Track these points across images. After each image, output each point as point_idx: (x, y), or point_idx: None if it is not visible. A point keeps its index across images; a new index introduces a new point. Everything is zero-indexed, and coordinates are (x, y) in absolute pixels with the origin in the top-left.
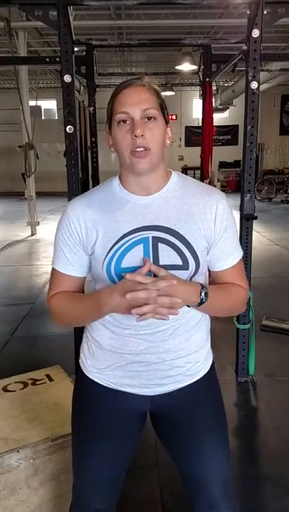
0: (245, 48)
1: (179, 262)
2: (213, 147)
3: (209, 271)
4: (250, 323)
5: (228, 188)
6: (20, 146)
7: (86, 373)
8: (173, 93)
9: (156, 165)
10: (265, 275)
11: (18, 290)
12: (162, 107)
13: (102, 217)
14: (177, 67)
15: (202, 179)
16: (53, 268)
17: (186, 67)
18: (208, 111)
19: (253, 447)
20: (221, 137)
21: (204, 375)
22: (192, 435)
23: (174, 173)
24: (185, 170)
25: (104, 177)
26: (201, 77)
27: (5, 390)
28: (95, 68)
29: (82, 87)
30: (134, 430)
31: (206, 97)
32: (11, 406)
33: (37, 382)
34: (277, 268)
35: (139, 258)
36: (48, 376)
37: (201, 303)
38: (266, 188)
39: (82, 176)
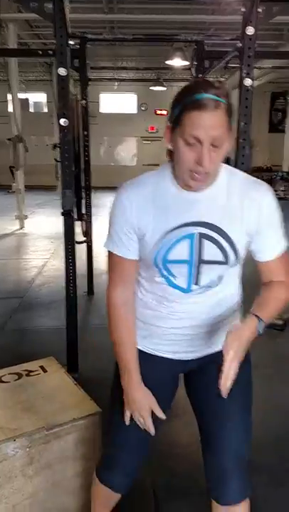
0: (239, 45)
1: (221, 258)
2: None
3: None
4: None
5: None
6: (9, 139)
7: None
8: (164, 88)
9: (211, 183)
10: (252, 271)
11: (7, 284)
12: (230, 124)
13: (154, 209)
14: (168, 62)
15: None
16: (110, 252)
17: (178, 62)
18: None
19: None
20: None
21: None
22: (219, 404)
23: (223, 167)
24: None
25: (94, 171)
26: (193, 72)
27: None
28: (88, 62)
29: (72, 81)
30: (170, 391)
31: None
32: (6, 396)
33: (31, 373)
34: None
35: (185, 252)
36: (42, 367)
37: (259, 332)
38: None
39: (74, 169)
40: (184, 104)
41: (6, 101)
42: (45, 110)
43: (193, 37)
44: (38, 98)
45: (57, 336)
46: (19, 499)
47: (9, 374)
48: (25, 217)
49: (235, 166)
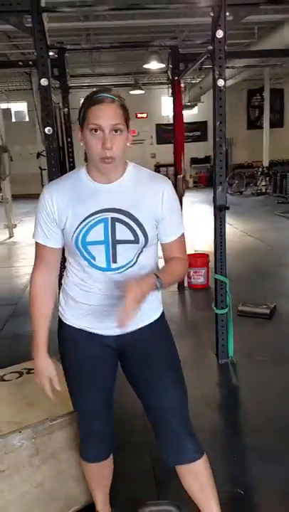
0: (210, 47)
1: (131, 238)
2: (185, 144)
3: None
4: (228, 308)
5: (200, 183)
6: None
7: (64, 321)
8: (142, 92)
9: (118, 165)
10: (239, 264)
11: (0, 292)
12: (127, 118)
13: (71, 200)
14: (145, 66)
15: (176, 175)
16: (36, 242)
17: (154, 65)
18: (178, 108)
19: (236, 421)
20: (190, 134)
21: (155, 321)
22: (152, 373)
23: (130, 164)
24: (158, 167)
25: None
26: (170, 75)
27: (1, 379)
28: (67, 70)
29: (52, 89)
30: (110, 363)
31: (175, 95)
32: (10, 393)
33: (31, 371)
34: (251, 257)
35: (101, 233)
36: None
37: (158, 288)
38: (237, 181)
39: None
40: (87, 104)
41: None
42: (27, 119)
43: (167, 42)
44: (19, 107)
45: (52, 339)
46: (28, 488)
47: (10, 373)
48: (14, 226)
49: (214, 164)
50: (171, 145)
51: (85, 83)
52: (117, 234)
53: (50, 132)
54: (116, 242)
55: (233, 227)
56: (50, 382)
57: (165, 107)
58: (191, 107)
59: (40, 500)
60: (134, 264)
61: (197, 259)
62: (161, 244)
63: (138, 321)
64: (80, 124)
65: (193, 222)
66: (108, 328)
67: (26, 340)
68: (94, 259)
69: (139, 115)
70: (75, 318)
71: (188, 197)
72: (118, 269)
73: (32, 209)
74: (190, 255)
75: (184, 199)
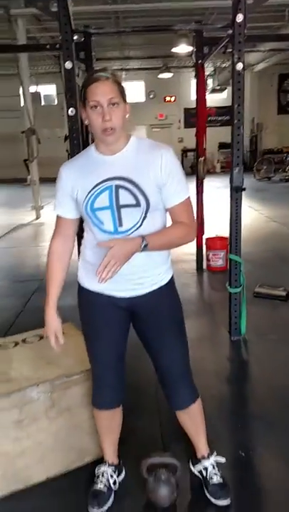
0: (230, 31)
1: (133, 202)
2: (213, 128)
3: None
4: (241, 287)
5: (228, 168)
6: (22, 132)
7: (82, 285)
8: (171, 75)
9: (119, 135)
10: (261, 249)
11: (27, 269)
12: (122, 92)
13: (82, 174)
14: (174, 50)
15: (197, 158)
16: (56, 214)
17: (183, 48)
18: (201, 92)
19: (243, 392)
20: (220, 118)
21: (165, 284)
22: (158, 331)
23: (133, 136)
24: (185, 152)
25: None
26: (194, 59)
27: (24, 341)
28: (93, 53)
29: (80, 72)
30: (122, 321)
31: (198, 78)
32: (31, 353)
33: None
34: (274, 243)
35: (106, 200)
36: None
37: (145, 249)
38: (265, 167)
39: None
40: (86, 84)
41: (19, 95)
42: (56, 102)
43: (188, 26)
44: (48, 91)
45: (75, 312)
46: (44, 437)
47: (32, 336)
48: (41, 207)
49: (231, 145)
50: None
51: (113, 66)
52: (121, 199)
53: (73, 113)
54: (120, 207)
55: (259, 213)
56: (56, 336)
57: (194, 91)
58: (221, 90)
59: (55, 450)
60: (139, 227)
61: (216, 242)
62: (168, 210)
63: (149, 284)
64: (82, 103)
65: (215, 207)
66: (121, 290)
67: None
68: (102, 223)
69: (168, 99)
70: (91, 282)
71: (214, 181)
72: (125, 232)
73: None
74: (209, 238)
75: (209, 183)
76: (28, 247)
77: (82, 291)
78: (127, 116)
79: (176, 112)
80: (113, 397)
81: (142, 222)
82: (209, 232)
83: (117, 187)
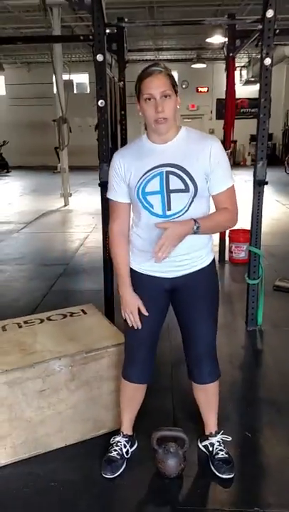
0: (260, 27)
1: (182, 187)
2: (245, 120)
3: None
4: (259, 279)
5: None
6: (54, 120)
7: (131, 267)
8: (204, 65)
9: (171, 125)
10: (286, 243)
11: (54, 253)
12: (173, 85)
13: (134, 160)
14: (208, 40)
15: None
16: (108, 198)
17: (217, 39)
18: (231, 84)
19: (254, 379)
20: (252, 110)
21: (206, 267)
22: (192, 309)
23: (183, 127)
24: None
25: None
26: (225, 51)
27: (48, 319)
28: (125, 45)
29: (113, 61)
30: (162, 302)
31: (229, 71)
32: (54, 330)
33: (74, 314)
34: None
35: (157, 185)
36: (82, 311)
37: (196, 232)
38: None
39: (111, 146)
40: (140, 79)
41: (52, 83)
42: (88, 91)
43: (219, 21)
44: (81, 79)
45: (96, 296)
46: (64, 408)
47: (56, 315)
48: (70, 195)
49: (256, 140)
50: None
51: (143, 58)
52: (171, 184)
53: (103, 105)
54: (170, 192)
55: (286, 207)
56: (132, 315)
57: None
58: (255, 82)
59: (73, 420)
60: (186, 211)
61: (240, 235)
62: (213, 197)
63: (190, 266)
64: (136, 97)
65: (242, 199)
66: (164, 271)
67: (74, 295)
68: (152, 207)
69: (200, 89)
70: (138, 264)
71: (243, 175)
72: (172, 215)
73: (88, 180)
74: (233, 230)
75: (238, 176)
76: (55, 233)
77: (132, 272)
78: (178, 107)
79: (209, 103)
80: (142, 372)
81: (189, 207)
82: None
83: (168, 173)
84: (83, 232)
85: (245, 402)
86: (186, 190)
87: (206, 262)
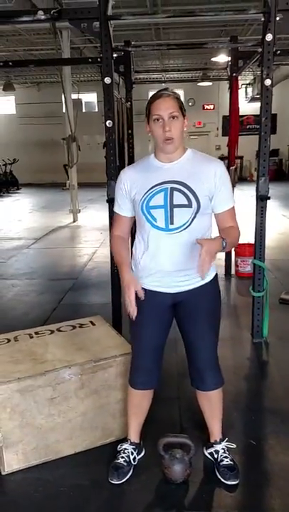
0: (260, 50)
1: (186, 203)
2: (251, 136)
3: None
4: (264, 292)
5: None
6: (63, 139)
7: None
8: (210, 83)
9: (178, 145)
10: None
11: (63, 268)
12: (181, 107)
13: (140, 177)
14: (213, 59)
15: (228, 167)
16: (114, 212)
17: (222, 58)
18: (234, 103)
19: (259, 389)
20: (258, 126)
21: (208, 282)
22: (194, 324)
23: (189, 149)
24: (222, 159)
25: None
26: (228, 72)
27: (58, 330)
28: (132, 67)
29: (121, 80)
30: (167, 316)
31: (232, 90)
32: (64, 340)
33: (83, 326)
34: None
35: (161, 199)
36: (91, 322)
37: (224, 248)
38: None
39: (118, 164)
40: (150, 101)
41: (61, 102)
42: (96, 110)
43: (221, 45)
44: (89, 98)
45: (104, 308)
46: (73, 415)
47: (66, 326)
48: (79, 211)
49: (258, 156)
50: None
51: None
52: (174, 199)
53: (111, 125)
54: (173, 206)
55: None
56: (130, 300)
57: None
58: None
59: (82, 427)
60: (188, 226)
61: (246, 249)
62: (216, 216)
63: (192, 281)
64: (146, 118)
65: (247, 214)
66: (166, 286)
67: (83, 308)
68: (155, 220)
69: (206, 107)
70: (140, 279)
71: (249, 190)
72: (175, 229)
73: (96, 197)
74: (239, 245)
75: (244, 192)
76: (64, 248)
77: None
78: (185, 129)
79: (215, 120)
80: (148, 380)
81: (191, 222)
82: (241, 239)
83: (172, 189)
84: (92, 247)
85: (249, 411)
86: (189, 205)
87: (208, 277)
